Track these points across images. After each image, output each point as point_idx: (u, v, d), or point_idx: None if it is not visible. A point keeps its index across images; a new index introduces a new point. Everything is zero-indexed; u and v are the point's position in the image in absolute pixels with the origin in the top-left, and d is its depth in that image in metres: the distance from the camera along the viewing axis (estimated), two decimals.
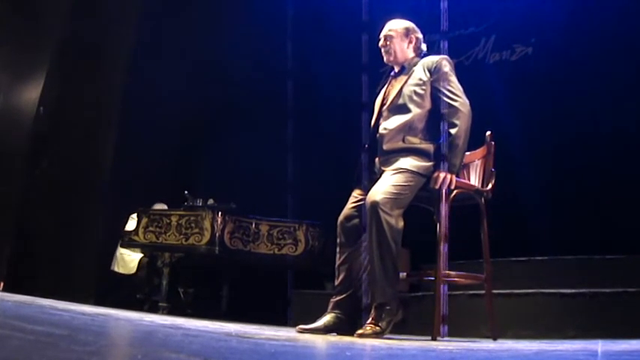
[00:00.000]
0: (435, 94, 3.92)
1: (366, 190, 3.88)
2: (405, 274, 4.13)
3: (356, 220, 3.90)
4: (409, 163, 3.81)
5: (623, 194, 5.79)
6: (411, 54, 4.10)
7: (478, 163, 4.12)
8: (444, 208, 3.78)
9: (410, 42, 4.11)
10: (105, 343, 1.96)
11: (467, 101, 3.91)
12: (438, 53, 4.31)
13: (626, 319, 4.52)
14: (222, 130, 8.42)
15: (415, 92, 3.94)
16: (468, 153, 4.10)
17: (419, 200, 3.88)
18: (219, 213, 6.43)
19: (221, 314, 6.90)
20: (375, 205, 3.66)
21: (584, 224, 5.85)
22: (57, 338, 1.80)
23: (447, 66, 3.98)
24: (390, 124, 3.93)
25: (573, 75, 6.31)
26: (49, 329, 2.07)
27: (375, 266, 3.67)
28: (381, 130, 3.95)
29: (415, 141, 3.86)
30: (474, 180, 4.11)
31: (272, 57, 8.33)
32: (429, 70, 3.97)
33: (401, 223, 3.71)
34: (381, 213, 3.64)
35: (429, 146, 3.87)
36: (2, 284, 6.80)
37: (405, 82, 3.99)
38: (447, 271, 3.82)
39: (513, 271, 5.52)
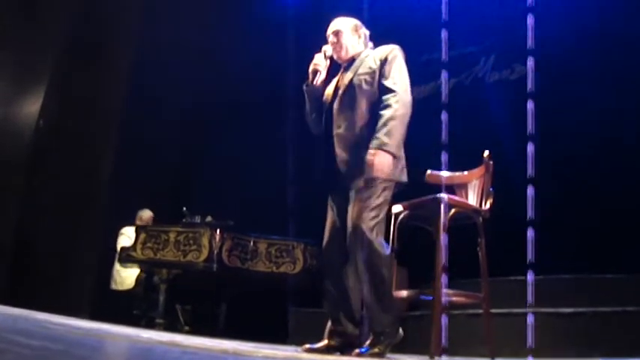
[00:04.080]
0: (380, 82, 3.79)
1: (339, 206, 3.82)
2: (403, 292, 4.12)
3: (340, 244, 3.76)
4: (378, 167, 3.63)
5: (623, 213, 5.78)
6: (361, 48, 4.00)
7: (476, 182, 4.11)
8: (442, 238, 3.74)
9: (359, 37, 4.02)
10: (101, 358, 1.95)
11: (409, 91, 3.76)
12: (439, 72, 4.29)
13: (626, 338, 4.51)
14: (221, 147, 8.43)
15: (365, 81, 3.81)
16: (466, 173, 4.09)
17: (417, 219, 3.86)
18: (218, 230, 6.41)
19: (219, 331, 6.87)
20: (359, 230, 3.56)
21: (583, 243, 5.83)
22: (53, 353, 1.79)
23: (397, 55, 3.85)
24: (343, 120, 3.80)
25: (573, 95, 6.32)
26: (45, 344, 2.06)
27: (368, 296, 3.58)
28: (335, 130, 3.80)
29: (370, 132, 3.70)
30: (472, 199, 4.10)
31: (274, 73, 8.35)
32: (380, 60, 3.84)
33: (387, 249, 3.61)
34: (367, 240, 3.54)
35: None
36: None
37: (355, 72, 3.87)
38: (446, 290, 3.81)
39: (511, 289, 5.50)
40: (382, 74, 3.79)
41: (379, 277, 3.54)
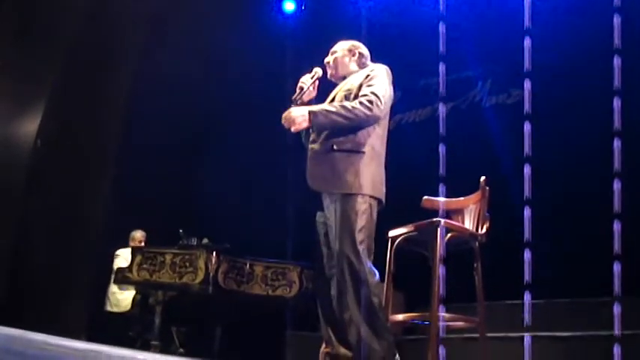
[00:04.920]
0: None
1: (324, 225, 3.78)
2: (399, 317, 4.10)
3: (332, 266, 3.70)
4: (355, 179, 3.60)
5: (620, 236, 5.76)
6: (354, 67, 4.01)
7: (473, 207, 4.09)
8: (439, 263, 3.71)
9: (353, 55, 4.02)
10: None
11: (380, 105, 3.65)
12: (435, 96, 4.28)
13: None
14: (219, 168, 8.42)
15: (345, 96, 3.78)
16: (462, 198, 4.08)
17: (413, 244, 3.84)
18: (214, 253, 6.39)
19: (214, 354, 6.83)
20: (345, 259, 3.48)
21: (580, 266, 5.82)
22: None
23: (380, 73, 3.81)
24: (317, 134, 3.77)
25: (570, 119, 6.33)
26: None
27: (360, 324, 3.47)
28: (310, 145, 3.79)
29: (344, 140, 3.66)
30: (469, 224, 4.07)
31: (273, 93, 8.35)
32: (364, 76, 3.82)
33: (376, 276, 3.54)
34: (355, 268, 3.46)
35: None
36: None
37: (340, 88, 3.89)
38: (442, 315, 3.79)
39: (508, 313, 5.48)
40: (361, 86, 3.76)
41: (371, 306, 3.45)
